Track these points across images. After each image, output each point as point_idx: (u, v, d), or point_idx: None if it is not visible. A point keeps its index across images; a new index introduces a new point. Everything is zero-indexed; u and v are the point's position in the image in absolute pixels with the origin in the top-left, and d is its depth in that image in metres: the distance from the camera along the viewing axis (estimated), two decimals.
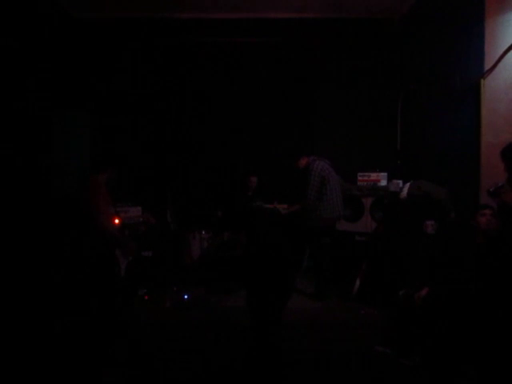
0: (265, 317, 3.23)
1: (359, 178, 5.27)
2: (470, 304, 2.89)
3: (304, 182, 4.75)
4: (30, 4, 4.83)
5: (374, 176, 5.22)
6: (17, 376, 2.99)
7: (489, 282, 2.87)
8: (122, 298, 4.08)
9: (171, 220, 5.38)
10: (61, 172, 5.09)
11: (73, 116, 5.46)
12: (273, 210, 4.99)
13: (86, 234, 3.59)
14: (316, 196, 4.69)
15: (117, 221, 3.82)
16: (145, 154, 6.06)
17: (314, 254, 5.00)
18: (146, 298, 4.65)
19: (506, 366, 2.56)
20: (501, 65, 3.78)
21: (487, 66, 3.91)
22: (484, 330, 2.71)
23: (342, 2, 5.60)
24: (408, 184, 4.55)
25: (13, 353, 3.19)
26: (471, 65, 4.13)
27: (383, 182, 5.14)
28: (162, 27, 6.04)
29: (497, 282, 2.80)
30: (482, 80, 3.96)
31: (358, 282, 4.73)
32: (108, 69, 6.05)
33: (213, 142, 6.23)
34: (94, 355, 3.29)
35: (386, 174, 5.22)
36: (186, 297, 4.58)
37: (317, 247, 4.87)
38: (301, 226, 4.89)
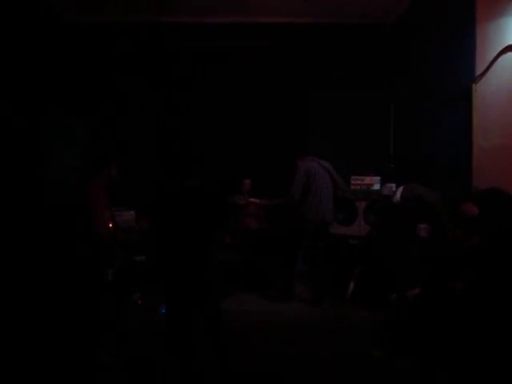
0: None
1: (352, 182, 5.28)
2: (461, 305, 2.90)
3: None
4: (23, 8, 4.81)
5: (367, 180, 5.24)
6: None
7: (481, 283, 2.89)
8: (114, 302, 4.07)
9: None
10: (54, 176, 5.04)
11: (66, 120, 5.43)
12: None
13: (78, 236, 3.58)
14: (299, 193, 4.70)
15: (110, 225, 3.80)
16: (138, 158, 6.04)
17: (309, 258, 5.01)
18: (140, 302, 4.63)
19: (496, 367, 2.57)
20: (492, 70, 3.81)
21: (478, 71, 3.95)
22: (475, 331, 2.72)
23: (334, 8, 5.64)
24: (401, 188, 4.57)
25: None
26: (463, 70, 4.17)
27: (376, 186, 5.16)
28: (154, 31, 6.06)
29: (490, 283, 2.81)
30: (473, 85, 4.00)
31: (351, 286, 4.74)
32: (101, 73, 6.04)
33: (206, 145, 6.21)
34: (83, 357, 3.27)
35: (379, 177, 5.24)
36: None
37: (312, 251, 4.88)
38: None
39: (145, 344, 3.65)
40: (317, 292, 4.79)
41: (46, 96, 5.32)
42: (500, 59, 3.72)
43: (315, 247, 4.82)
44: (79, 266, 3.60)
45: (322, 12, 5.76)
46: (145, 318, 4.26)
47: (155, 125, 6.22)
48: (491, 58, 3.79)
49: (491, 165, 3.74)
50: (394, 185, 4.87)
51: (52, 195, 4.87)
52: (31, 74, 5.02)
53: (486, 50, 3.85)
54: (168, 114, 6.26)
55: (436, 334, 2.99)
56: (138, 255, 4.77)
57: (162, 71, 6.18)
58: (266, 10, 5.73)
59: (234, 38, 6.01)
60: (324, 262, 4.81)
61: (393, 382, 3.11)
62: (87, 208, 3.61)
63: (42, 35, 5.29)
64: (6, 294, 3.79)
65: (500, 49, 3.70)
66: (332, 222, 4.92)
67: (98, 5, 5.52)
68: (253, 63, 6.14)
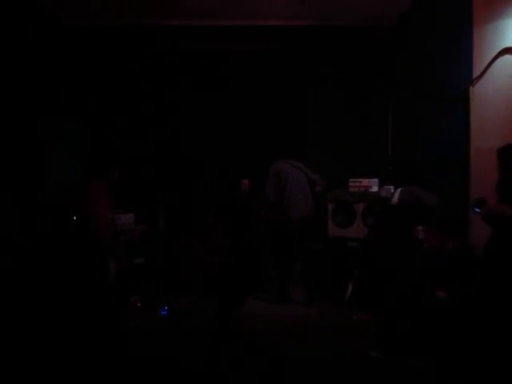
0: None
1: (351, 184, 5.29)
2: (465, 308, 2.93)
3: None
4: (21, 11, 4.82)
5: (365, 182, 5.25)
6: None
7: (482, 289, 2.90)
8: (114, 304, 4.06)
9: (163, 226, 5.36)
10: (53, 177, 5.04)
11: (65, 121, 5.44)
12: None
13: (80, 237, 3.57)
14: (273, 194, 4.77)
15: (112, 227, 3.80)
16: (135, 160, 6.03)
17: (303, 259, 5.03)
18: (139, 304, 4.63)
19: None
20: (489, 72, 3.83)
21: (476, 74, 3.96)
22: (480, 331, 2.73)
23: (333, 10, 5.65)
24: (399, 190, 4.57)
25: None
26: (460, 72, 4.19)
27: (374, 188, 5.17)
28: (151, 34, 6.07)
29: (490, 289, 2.81)
30: (470, 87, 4.02)
31: (350, 288, 4.74)
32: (101, 74, 6.04)
33: (205, 146, 6.23)
34: (86, 359, 3.26)
35: (377, 179, 5.25)
36: (164, 313, 4.51)
37: (305, 252, 4.90)
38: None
39: (145, 345, 3.66)
40: (309, 293, 4.82)
41: (47, 98, 5.33)
42: (497, 61, 3.74)
43: (311, 248, 4.85)
44: (81, 269, 3.59)
45: (322, 14, 5.77)
46: (144, 319, 4.27)
47: (155, 126, 6.22)
48: (488, 61, 3.80)
49: (489, 166, 3.74)
50: (392, 187, 4.87)
51: (52, 196, 4.87)
52: (31, 75, 5.02)
53: (484, 53, 3.87)
54: (168, 115, 6.27)
55: (442, 334, 3.01)
56: (137, 258, 4.78)
57: (162, 74, 6.19)
58: (265, 13, 5.73)
59: (233, 41, 6.02)
60: (317, 263, 4.84)
61: (392, 382, 3.11)
62: (87, 209, 3.60)
63: (41, 38, 5.29)
64: (7, 293, 3.79)
65: (497, 51, 3.71)
66: (314, 216, 4.95)
67: (97, 8, 5.53)
68: (252, 65, 6.15)
